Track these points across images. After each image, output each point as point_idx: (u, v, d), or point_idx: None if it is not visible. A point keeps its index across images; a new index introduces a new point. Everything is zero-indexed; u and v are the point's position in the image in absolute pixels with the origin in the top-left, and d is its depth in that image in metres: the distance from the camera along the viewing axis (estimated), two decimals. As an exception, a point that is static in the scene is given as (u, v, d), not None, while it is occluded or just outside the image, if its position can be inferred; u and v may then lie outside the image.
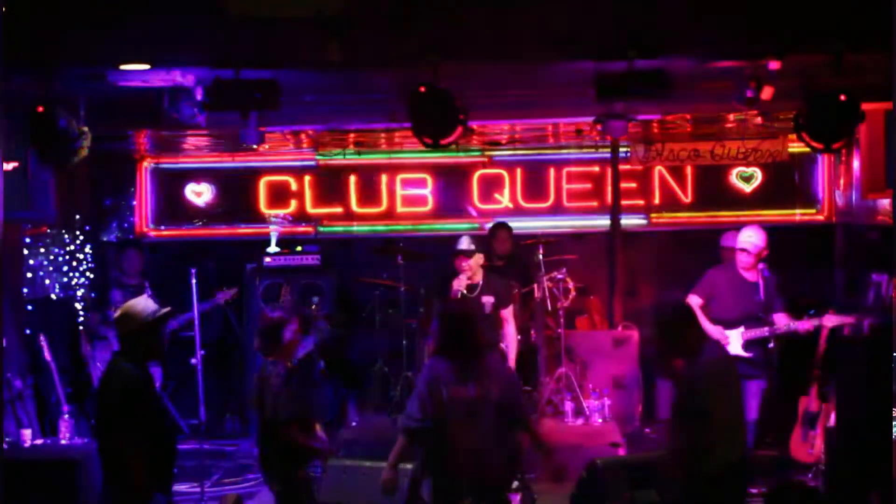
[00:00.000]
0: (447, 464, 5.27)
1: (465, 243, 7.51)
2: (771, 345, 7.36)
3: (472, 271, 7.42)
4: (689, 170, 10.24)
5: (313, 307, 8.68)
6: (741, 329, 7.29)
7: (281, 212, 9.95)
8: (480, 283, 7.46)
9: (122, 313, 5.08)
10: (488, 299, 7.38)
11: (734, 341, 7.25)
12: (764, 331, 7.26)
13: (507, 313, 7.51)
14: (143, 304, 5.07)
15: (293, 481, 5.75)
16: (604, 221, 10.29)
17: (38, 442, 7.67)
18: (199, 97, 6.45)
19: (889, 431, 5.04)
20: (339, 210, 10.54)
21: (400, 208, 10.51)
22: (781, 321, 7.29)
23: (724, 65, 6.46)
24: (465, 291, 7.42)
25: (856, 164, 9.06)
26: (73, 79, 6.41)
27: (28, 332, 8.58)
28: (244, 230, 10.51)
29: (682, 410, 5.22)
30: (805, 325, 7.30)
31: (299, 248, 9.36)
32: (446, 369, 5.31)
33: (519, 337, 7.75)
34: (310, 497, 5.78)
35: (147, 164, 10.56)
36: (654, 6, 5.85)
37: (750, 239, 7.35)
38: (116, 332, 5.13)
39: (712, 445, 5.10)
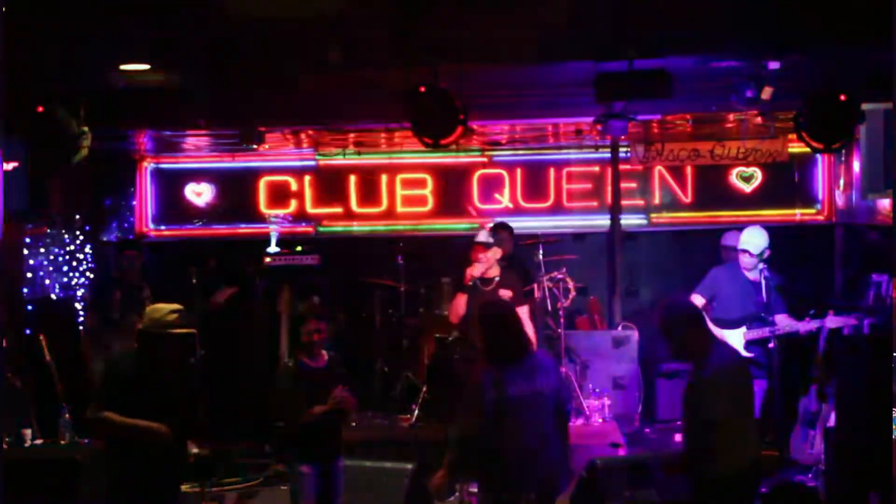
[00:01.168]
0: (503, 464, 5.26)
1: (483, 236, 7.65)
2: (771, 345, 7.36)
3: (488, 263, 7.45)
4: (689, 170, 10.24)
5: (316, 306, 8.67)
6: (743, 329, 7.29)
7: (281, 212, 9.94)
8: (497, 277, 7.49)
9: (148, 309, 5.13)
10: (506, 293, 7.37)
11: (736, 342, 7.25)
12: (765, 331, 7.26)
13: (523, 312, 7.36)
14: (167, 314, 5.07)
15: (295, 476, 5.79)
16: (604, 221, 10.29)
17: (38, 442, 7.66)
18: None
19: (889, 431, 5.03)
20: (339, 210, 10.54)
21: (400, 208, 10.52)
22: (782, 322, 7.29)
23: (724, 65, 6.46)
24: (478, 282, 7.44)
25: (856, 164, 9.06)
26: (73, 79, 6.41)
27: (28, 332, 8.58)
28: (244, 230, 10.51)
29: (689, 413, 5.20)
30: (806, 325, 7.30)
31: (299, 248, 9.36)
32: (495, 371, 5.30)
33: None
34: (315, 491, 5.77)
35: (147, 164, 10.56)
36: (654, 6, 5.85)
37: (752, 240, 7.35)
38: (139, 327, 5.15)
39: (720, 449, 5.08)
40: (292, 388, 5.76)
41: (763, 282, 7.30)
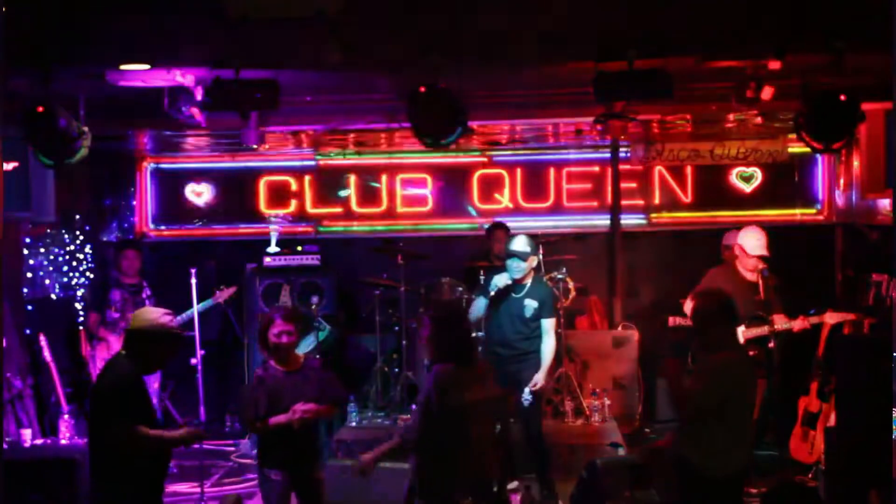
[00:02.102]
0: (450, 465, 5.18)
1: (519, 244, 7.21)
2: (771, 344, 7.36)
3: (520, 273, 7.15)
4: (689, 170, 10.24)
5: (313, 307, 8.67)
6: (741, 329, 7.29)
7: (281, 212, 9.95)
8: (528, 285, 7.24)
9: (137, 312, 5.17)
10: (531, 303, 7.18)
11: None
12: (763, 330, 7.26)
13: (549, 325, 7.22)
14: (161, 313, 5.11)
15: (262, 476, 5.73)
16: (604, 221, 10.29)
17: (38, 442, 7.66)
18: (199, 97, 6.45)
19: (889, 431, 5.03)
20: (339, 210, 10.54)
21: (400, 208, 10.52)
22: (780, 321, 7.29)
23: (724, 65, 6.45)
24: (511, 290, 7.22)
25: (856, 164, 9.06)
26: (73, 79, 6.40)
27: (28, 332, 8.58)
28: (244, 230, 10.51)
29: (686, 406, 5.21)
30: (800, 323, 7.29)
31: (299, 248, 9.36)
32: (454, 374, 5.21)
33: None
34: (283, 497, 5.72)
35: (147, 164, 10.56)
36: (654, 6, 5.84)
37: (761, 242, 7.36)
38: (127, 332, 5.14)
39: (710, 447, 5.08)
40: (252, 392, 5.60)
41: (761, 281, 7.31)
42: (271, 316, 5.70)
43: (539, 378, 7.17)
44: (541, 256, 8.88)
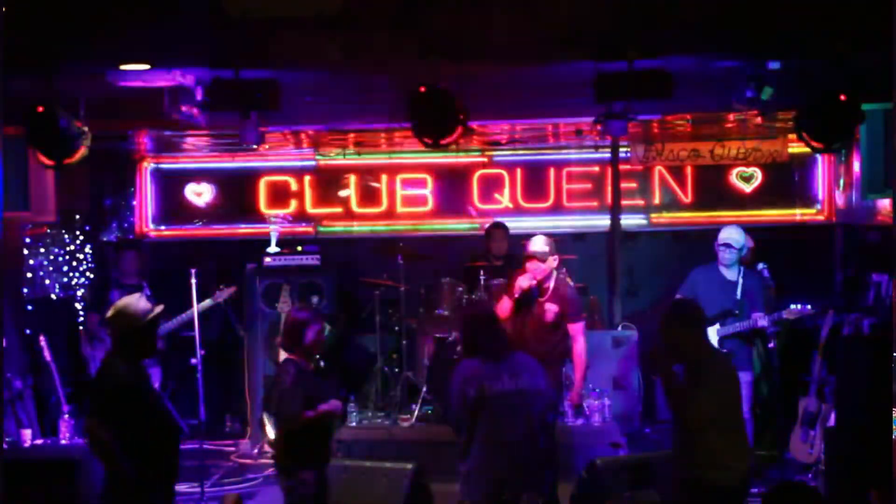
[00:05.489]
0: (492, 459, 5.26)
1: (537, 244, 7.07)
2: (771, 344, 7.36)
3: (542, 274, 7.00)
4: (689, 170, 10.25)
5: (313, 307, 8.66)
6: (717, 326, 7.31)
7: (281, 212, 9.95)
8: (551, 287, 7.07)
9: (116, 312, 5.08)
10: (551, 307, 7.01)
11: (710, 338, 7.29)
12: (736, 327, 7.25)
13: (577, 330, 7.03)
14: (136, 303, 5.07)
15: (296, 481, 5.72)
16: (604, 221, 10.29)
17: (38, 442, 7.66)
18: (199, 97, 6.46)
19: (889, 431, 5.04)
20: (339, 210, 10.54)
21: (400, 208, 10.52)
22: (755, 318, 7.22)
23: (724, 65, 6.46)
24: (534, 291, 7.04)
25: (856, 164, 9.06)
26: (73, 79, 6.40)
27: (28, 332, 8.58)
28: (244, 230, 10.51)
29: (680, 416, 5.20)
30: (762, 321, 7.21)
31: (299, 248, 9.36)
32: (478, 367, 5.36)
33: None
34: (315, 498, 5.71)
35: (147, 165, 10.57)
36: (654, 6, 5.84)
37: (731, 235, 7.39)
38: (110, 330, 5.12)
39: (712, 456, 5.06)
40: (293, 389, 5.58)
41: (741, 280, 7.32)
42: (305, 318, 5.70)
43: (575, 390, 7.21)
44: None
